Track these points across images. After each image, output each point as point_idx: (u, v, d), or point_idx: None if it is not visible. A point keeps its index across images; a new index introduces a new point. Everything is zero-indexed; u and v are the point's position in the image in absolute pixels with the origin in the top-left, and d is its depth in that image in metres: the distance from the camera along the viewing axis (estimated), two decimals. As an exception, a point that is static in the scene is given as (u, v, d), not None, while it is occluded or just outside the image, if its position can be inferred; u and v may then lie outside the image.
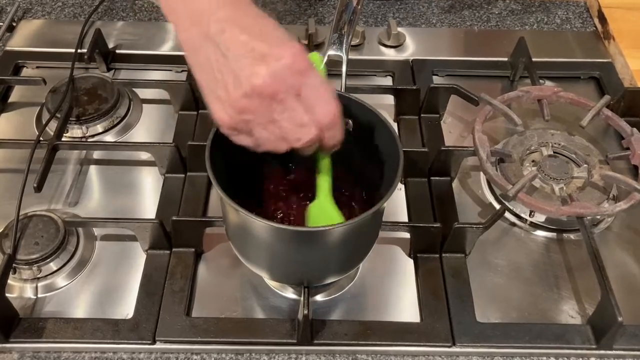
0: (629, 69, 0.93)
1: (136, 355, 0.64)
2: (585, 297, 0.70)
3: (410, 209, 0.76)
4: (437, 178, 0.79)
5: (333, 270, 0.63)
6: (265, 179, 0.70)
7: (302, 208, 0.68)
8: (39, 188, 0.72)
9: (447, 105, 0.87)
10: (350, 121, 0.66)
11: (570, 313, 0.68)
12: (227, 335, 0.64)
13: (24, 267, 0.68)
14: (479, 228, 0.70)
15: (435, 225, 0.70)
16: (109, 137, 0.84)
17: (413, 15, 1.04)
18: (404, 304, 0.68)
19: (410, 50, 0.97)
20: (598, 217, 0.75)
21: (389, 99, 0.88)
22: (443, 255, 0.71)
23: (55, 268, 0.69)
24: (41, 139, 0.77)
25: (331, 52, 0.75)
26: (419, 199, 0.77)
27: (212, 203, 0.76)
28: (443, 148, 0.78)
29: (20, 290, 0.68)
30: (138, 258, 0.71)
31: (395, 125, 0.86)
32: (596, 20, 1.04)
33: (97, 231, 0.74)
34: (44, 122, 0.82)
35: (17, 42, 0.96)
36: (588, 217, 0.72)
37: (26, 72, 0.93)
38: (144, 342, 0.64)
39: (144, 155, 0.81)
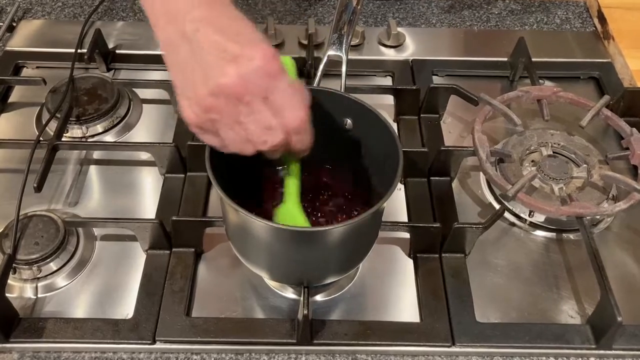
0: (629, 69, 0.93)
1: (136, 355, 0.64)
2: (584, 297, 0.70)
3: (410, 209, 0.76)
4: (436, 178, 0.79)
5: (333, 270, 0.63)
6: (265, 179, 0.70)
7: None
8: (39, 188, 0.72)
9: (446, 105, 0.87)
10: (349, 121, 0.67)
11: (569, 313, 0.69)
12: (227, 335, 0.64)
13: (24, 267, 0.68)
14: (479, 228, 0.70)
15: (435, 225, 0.70)
16: (109, 137, 0.84)
17: (413, 15, 1.04)
18: (404, 304, 0.68)
19: (410, 50, 0.97)
20: (597, 217, 0.75)
21: (389, 99, 0.88)
22: (443, 255, 0.71)
23: (55, 268, 0.69)
24: (41, 139, 0.77)
25: (331, 52, 0.75)
26: (419, 199, 0.77)
27: (212, 203, 0.76)
28: (443, 148, 0.78)
29: (20, 290, 0.68)
30: (138, 258, 0.71)
31: (395, 125, 0.86)
32: (596, 20, 1.04)
33: (97, 231, 0.74)
34: (44, 122, 0.82)
35: (17, 42, 0.96)
36: (587, 217, 0.72)
37: (26, 72, 0.93)
38: (144, 342, 0.64)
39: (144, 155, 0.81)
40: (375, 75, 0.94)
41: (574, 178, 0.77)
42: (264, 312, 0.68)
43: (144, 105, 0.89)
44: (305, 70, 0.91)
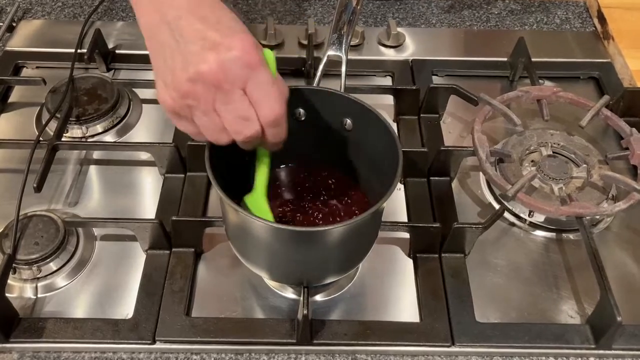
0: (629, 69, 0.93)
1: (136, 355, 0.64)
2: (584, 297, 0.70)
3: (409, 209, 0.76)
4: (436, 178, 0.79)
5: (332, 270, 0.63)
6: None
7: (301, 208, 0.68)
8: (38, 188, 0.72)
9: (446, 105, 0.87)
10: (349, 121, 0.67)
11: (569, 313, 0.69)
12: (227, 335, 0.64)
13: (24, 267, 0.68)
14: (479, 228, 0.70)
15: (434, 225, 0.70)
16: (109, 137, 0.84)
17: (413, 16, 1.04)
18: (404, 304, 0.69)
19: (410, 50, 0.97)
20: (597, 217, 0.75)
21: (389, 99, 0.88)
22: (442, 255, 0.71)
23: (55, 268, 0.69)
24: (41, 139, 0.77)
25: (331, 52, 0.75)
26: (419, 199, 0.77)
27: (211, 203, 0.76)
28: (442, 148, 0.79)
29: (20, 290, 0.68)
30: (138, 258, 0.71)
31: (394, 126, 0.86)
32: (595, 21, 1.04)
33: (97, 231, 0.74)
34: (43, 122, 0.82)
35: (17, 42, 0.96)
36: (587, 217, 0.72)
37: (26, 72, 0.93)
38: (144, 342, 0.64)
39: (144, 155, 0.81)
40: (375, 75, 0.94)
41: (573, 178, 0.77)
42: (263, 312, 0.68)
43: (143, 105, 0.89)
44: (305, 70, 0.91)
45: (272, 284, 0.69)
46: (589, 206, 0.72)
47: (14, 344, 0.64)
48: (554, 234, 0.76)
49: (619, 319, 0.62)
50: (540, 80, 0.89)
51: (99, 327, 0.64)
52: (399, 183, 0.74)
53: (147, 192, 0.79)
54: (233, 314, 0.67)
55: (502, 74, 0.94)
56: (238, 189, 0.68)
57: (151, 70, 0.90)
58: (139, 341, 0.64)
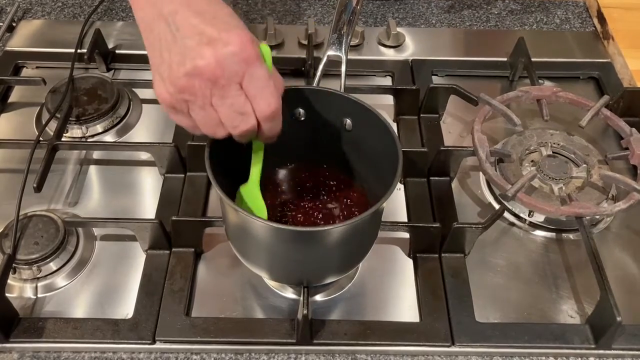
0: (628, 69, 0.93)
1: (136, 355, 0.64)
2: (584, 296, 0.70)
3: (409, 209, 0.76)
4: (436, 178, 0.79)
5: (332, 270, 0.63)
6: (264, 179, 0.70)
7: (301, 208, 0.68)
8: (38, 188, 0.72)
9: (446, 105, 0.87)
10: (349, 121, 0.67)
11: (569, 313, 0.69)
12: (227, 335, 0.64)
13: (24, 267, 0.68)
14: (478, 228, 0.70)
15: (434, 225, 0.70)
16: (109, 137, 0.84)
17: (412, 16, 1.04)
18: (404, 304, 0.69)
19: (410, 50, 0.97)
20: (597, 217, 0.75)
21: (389, 99, 0.88)
22: (442, 255, 0.71)
23: (55, 268, 0.69)
24: (41, 139, 0.77)
25: (330, 52, 0.75)
26: (419, 199, 0.77)
27: (211, 203, 0.76)
28: (442, 148, 0.79)
29: (20, 290, 0.68)
30: (138, 258, 0.71)
31: (394, 126, 0.86)
32: (595, 21, 1.04)
33: (97, 231, 0.74)
34: (43, 122, 0.82)
35: (17, 42, 0.96)
36: (587, 217, 0.72)
37: (26, 72, 0.93)
38: (144, 342, 0.64)
39: (144, 155, 0.81)
40: (375, 75, 0.94)
41: (573, 178, 0.77)
42: (263, 312, 0.68)
43: (143, 105, 0.89)
44: (305, 70, 0.91)
45: (272, 283, 0.69)
46: (589, 206, 0.72)
47: (14, 344, 0.64)
48: (553, 234, 0.76)
49: (618, 319, 0.62)
50: (540, 80, 0.89)
51: (98, 327, 0.64)
52: (399, 183, 0.74)
53: (147, 192, 0.79)
54: (233, 313, 0.67)
55: (502, 74, 0.94)
56: (237, 189, 0.68)
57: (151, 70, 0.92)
58: (139, 341, 0.64)
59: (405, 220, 0.75)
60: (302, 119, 0.67)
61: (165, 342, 0.64)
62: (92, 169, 0.81)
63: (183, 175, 0.78)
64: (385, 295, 0.69)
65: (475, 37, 1.01)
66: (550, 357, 0.65)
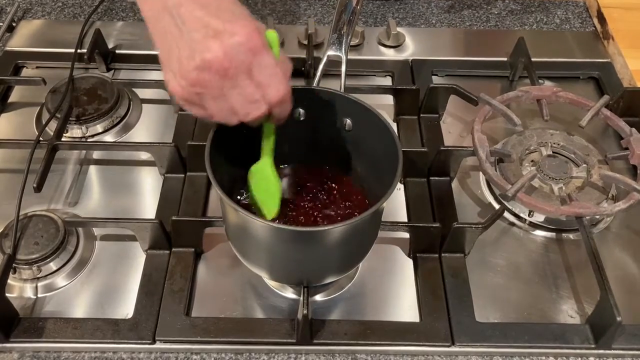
0: (628, 69, 0.93)
1: (136, 355, 0.64)
2: (584, 296, 0.70)
3: (409, 209, 0.76)
4: (436, 178, 0.79)
5: (332, 270, 0.63)
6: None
7: (301, 208, 0.68)
8: (38, 188, 0.72)
9: (446, 105, 0.87)
10: (349, 121, 0.67)
11: (569, 313, 0.69)
12: (227, 335, 0.64)
13: (24, 267, 0.68)
14: (478, 228, 0.70)
15: (434, 225, 0.70)
16: (109, 137, 0.84)
17: (412, 15, 1.04)
18: (404, 304, 0.69)
19: (410, 50, 0.97)
20: (597, 217, 0.75)
21: (389, 99, 0.88)
22: (442, 255, 0.71)
23: (55, 268, 0.69)
24: (41, 139, 0.77)
25: (331, 52, 0.75)
26: (419, 199, 0.77)
27: (211, 203, 0.76)
28: (442, 148, 0.79)
29: (20, 290, 0.68)
30: (138, 258, 0.71)
31: (394, 125, 0.86)
32: (595, 20, 1.04)
33: (97, 231, 0.74)
34: (43, 122, 0.82)
35: (17, 42, 0.96)
36: (587, 217, 0.72)
37: (26, 72, 0.93)
38: (144, 341, 0.64)
39: (144, 155, 0.81)
40: (375, 75, 0.94)
41: (573, 178, 0.77)
42: (263, 311, 0.68)
43: (143, 105, 0.89)
44: (305, 70, 0.91)
45: (272, 283, 0.69)
46: (589, 206, 0.72)
47: (14, 344, 0.64)
48: (553, 233, 0.76)
49: (618, 318, 0.62)
50: (540, 80, 0.89)
51: (99, 327, 0.64)
52: (399, 183, 0.74)
53: (147, 192, 0.79)
54: (233, 313, 0.67)
55: (502, 74, 0.94)
56: (238, 189, 0.68)
57: (151, 70, 0.92)
58: (139, 341, 0.64)
59: (405, 220, 0.75)
60: (302, 119, 0.67)
61: (165, 342, 0.64)
62: (92, 169, 0.81)
63: (183, 175, 0.78)
64: (385, 295, 0.69)
65: (475, 37, 1.01)
66: (550, 357, 0.65)
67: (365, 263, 0.69)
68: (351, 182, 0.70)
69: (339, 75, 0.75)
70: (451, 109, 0.88)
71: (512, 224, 0.77)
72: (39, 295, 0.68)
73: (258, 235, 0.59)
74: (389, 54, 0.96)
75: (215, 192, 0.69)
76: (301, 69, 0.91)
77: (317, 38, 0.94)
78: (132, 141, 0.84)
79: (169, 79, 0.55)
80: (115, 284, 0.69)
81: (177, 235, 0.70)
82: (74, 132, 0.83)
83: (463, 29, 1.02)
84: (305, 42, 0.93)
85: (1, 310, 0.63)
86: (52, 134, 0.78)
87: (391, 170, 0.59)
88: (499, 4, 1.07)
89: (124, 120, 0.86)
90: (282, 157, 0.68)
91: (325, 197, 0.69)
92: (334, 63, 0.75)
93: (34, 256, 0.67)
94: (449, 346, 0.65)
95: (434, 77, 0.93)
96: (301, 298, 0.62)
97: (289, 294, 0.69)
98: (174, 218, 0.69)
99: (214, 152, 0.59)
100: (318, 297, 0.69)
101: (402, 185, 0.79)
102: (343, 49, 0.75)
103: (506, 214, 0.77)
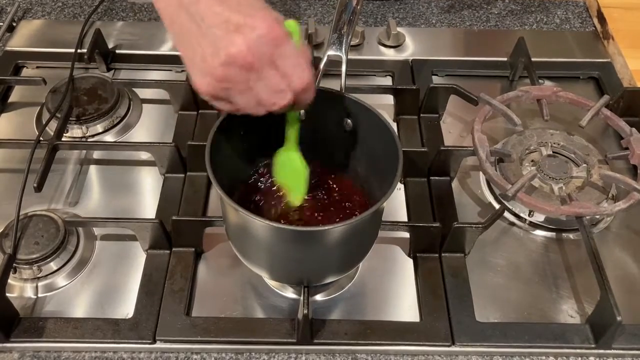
0: (628, 69, 0.93)
1: (136, 355, 0.64)
2: (584, 296, 0.70)
3: (409, 208, 0.77)
4: (436, 178, 0.79)
5: (333, 270, 0.63)
6: (265, 179, 0.70)
7: (301, 207, 0.68)
8: (39, 188, 0.72)
9: (446, 105, 0.87)
10: (349, 121, 0.67)
11: (569, 312, 0.69)
12: (227, 334, 0.65)
13: (24, 266, 0.68)
14: (479, 228, 0.70)
15: (434, 225, 0.70)
16: (109, 137, 0.84)
17: (412, 15, 1.04)
18: (404, 304, 0.69)
19: (410, 50, 0.97)
20: (597, 216, 0.75)
21: (389, 99, 0.88)
22: (442, 254, 0.71)
23: (55, 268, 0.69)
24: (41, 139, 0.77)
25: (331, 52, 0.75)
26: (419, 198, 0.77)
27: (212, 203, 0.76)
28: (442, 148, 0.79)
29: (20, 289, 0.68)
30: (138, 258, 0.71)
31: (394, 125, 0.86)
32: (595, 20, 1.04)
33: (97, 231, 0.74)
34: (44, 122, 0.82)
35: (17, 42, 0.96)
36: (587, 217, 0.72)
37: (26, 72, 0.93)
38: (144, 341, 0.64)
39: (144, 155, 0.81)
40: (375, 75, 0.94)
41: (573, 178, 0.77)
42: (264, 311, 0.68)
43: (144, 105, 0.89)
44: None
45: (272, 283, 0.69)
46: (589, 206, 0.72)
47: (15, 344, 0.64)
48: (553, 233, 0.76)
49: (619, 318, 0.62)
50: (540, 80, 0.89)
51: (99, 327, 0.65)
52: (399, 183, 0.74)
53: (147, 192, 0.79)
54: (233, 313, 0.67)
55: (502, 74, 0.94)
56: (238, 189, 0.68)
57: (151, 70, 0.92)
58: (139, 341, 0.64)
59: (406, 220, 0.76)
60: (302, 119, 0.67)
61: (166, 341, 0.64)
62: (93, 169, 0.81)
63: (183, 175, 0.78)
64: (385, 295, 0.69)
65: (476, 37, 1.01)
66: (550, 357, 0.65)
67: (365, 263, 0.69)
68: (351, 182, 0.70)
69: (339, 75, 0.74)
70: (451, 109, 0.88)
71: (512, 224, 0.77)
72: (39, 295, 0.68)
73: (258, 235, 0.59)
74: (389, 54, 0.96)
75: (216, 192, 0.69)
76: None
77: (317, 38, 0.94)
78: (132, 141, 0.84)
79: (195, 77, 0.55)
80: (116, 283, 0.69)
81: (178, 235, 0.70)
82: (74, 132, 0.83)
83: (463, 29, 1.02)
84: (306, 42, 0.93)
85: (1, 310, 0.64)
86: (52, 133, 0.78)
87: (391, 170, 0.59)
88: (499, 4, 1.07)
89: (124, 120, 0.86)
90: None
91: (325, 197, 0.69)
92: (334, 63, 0.75)
93: (34, 256, 0.68)
94: (449, 346, 0.65)
95: (434, 77, 0.93)
96: (301, 298, 0.62)
97: (289, 293, 0.69)
98: (174, 218, 0.69)
99: (214, 152, 0.59)
100: (318, 297, 0.69)
101: (402, 185, 0.79)
102: (343, 48, 0.75)
103: (506, 214, 0.77)
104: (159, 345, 0.64)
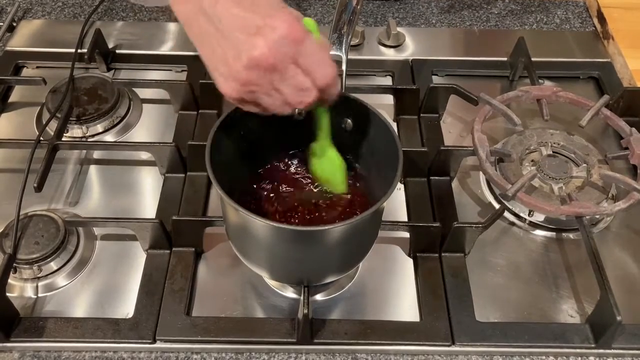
0: (628, 69, 0.93)
1: (136, 355, 0.64)
2: (584, 296, 0.70)
3: (409, 208, 0.77)
4: (436, 178, 0.79)
5: (333, 270, 0.63)
6: (265, 178, 0.70)
7: (301, 207, 0.68)
8: (39, 188, 0.72)
9: (446, 105, 0.87)
10: (349, 121, 0.67)
11: (569, 312, 0.69)
12: (227, 334, 0.65)
13: (25, 266, 0.68)
14: (479, 227, 0.70)
15: (434, 224, 0.70)
16: (109, 137, 0.84)
17: (412, 15, 1.04)
18: (404, 304, 0.69)
19: (410, 50, 0.97)
20: (597, 216, 0.75)
21: (389, 99, 0.88)
22: (442, 254, 0.71)
23: (55, 267, 0.69)
24: (41, 139, 0.77)
25: (331, 52, 0.75)
26: (419, 198, 0.77)
27: (212, 203, 0.77)
28: (442, 148, 0.79)
29: (20, 289, 0.68)
30: (138, 258, 0.71)
31: (394, 125, 0.86)
32: (595, 20, 1.04)
33: (98, 231, 0.74)
34: (44, 122, 0.82)
35: (17, 42, 0.96)
36: (587, 217, 0.72)
37: (26, 72, 0.93)
38: (144, 341, 0.64)
39: (144, 155, 0.81)
40: (375, 75, 0.94)
41: (573, 178, 0.77)
42: (264, 311, 0.68)
43: (144, 105, 0.89)
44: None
45: (272, 283, 0.69)
46: (589, 206, 0.72)
47: (15, 344, 0.64)
48: (553, 233, 0.76)
49: (618, 318, 0.62)
50: (540, 80, 0.89)
51: (99, 327, 0.65)
52: (399, 183, 0.74)
53: (148, 191, 0.79)
54: (233, 313, 0.67)
55: (502, 74, 0.94)
56: (238, 188, 0.68)
57: (151, 70, 0.92)
58: (140, 340, 0.64)
59: (406, 219, 0.76)
60: (302, 118, 0.67)
61: (166, 341, 0.64)
62: (93, 169, 0.81)
63: (183, 175, 0.78)
64: (385, 295, 0.69)
65: (475, 37, 1.01)
66: (550, 357, 0.65)
67: (365, 263, 0.69)
68: (351, 181, 0.70)
69: (339, 75, 0.75)
70: (451, 108, 0.88)
71: (512, 224, 0.77)
72: (40, 295, 0.68)
73: (258, 235, 0.59)
74: (389, 54, 0.96)
75: (216, 192, 0.69)
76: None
77: (317, 38, 0.94)
78: (132, 141, 0.84)
79: (220, 82, 0.55)
80: (116, 283, 0.69)
81: (178, 235, 0.70)
82: (74, 132, 0.83)
83: (463, 29, 1.02)
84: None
85: (2, 309, 0.64)
86: (52, 133, 0.78)
87: (391, 169, 0.59)
88: (499, 4, 1.07)
89: (124, 120, 0.86)
90: (282, 156, 0.69)
91: (325, 197, 0.69)
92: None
93: (34, 256, 0.68)
94: (449, 346, 0.65)
95: (434, 77, 0.93)
96: (301, 297, 0.62)
97: (290, 293, 0.69)
98: (174, 218, 0.69)
99: (214, 152, 0.59)
100: (318, 297, 0.69)
101: (402, 185, 0.79)
102: (343, 48, 0.75)
103: (506, 214, 0.77)
104: (159, 345, 0.64)
